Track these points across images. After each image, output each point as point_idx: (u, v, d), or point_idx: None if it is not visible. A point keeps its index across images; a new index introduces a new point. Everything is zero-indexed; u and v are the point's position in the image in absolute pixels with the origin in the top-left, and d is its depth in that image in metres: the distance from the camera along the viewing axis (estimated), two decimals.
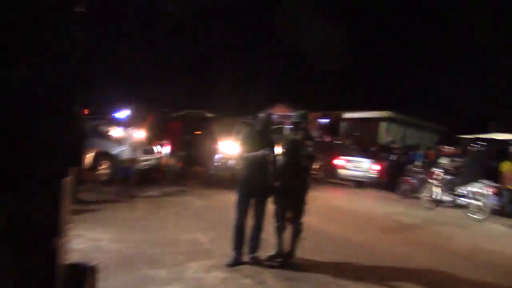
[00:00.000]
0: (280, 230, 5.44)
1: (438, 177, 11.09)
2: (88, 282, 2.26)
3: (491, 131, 16.17)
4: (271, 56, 31.67)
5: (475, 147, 11.17)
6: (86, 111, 16.38)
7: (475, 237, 7.99)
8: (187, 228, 6.89)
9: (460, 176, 10.76)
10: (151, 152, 11.47)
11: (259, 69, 32.53)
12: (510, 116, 18.42)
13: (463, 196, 10.37)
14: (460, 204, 10.43)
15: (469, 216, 9.77)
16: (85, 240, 5.72)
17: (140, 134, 9.54)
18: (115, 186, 9.68)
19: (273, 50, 32.34)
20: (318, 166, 14.09)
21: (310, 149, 5.10)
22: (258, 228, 5.25)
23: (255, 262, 5.19)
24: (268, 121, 5.29)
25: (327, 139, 19.09)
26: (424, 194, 11.22)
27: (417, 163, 14.29)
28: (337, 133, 22.76)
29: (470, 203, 10.04)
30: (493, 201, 9.78)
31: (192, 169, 12.64)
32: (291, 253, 5.26)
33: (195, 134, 13.14)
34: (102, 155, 10.67)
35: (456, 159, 11.61)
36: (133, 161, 8.97)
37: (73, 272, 2.31)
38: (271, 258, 5.42)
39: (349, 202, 11.27)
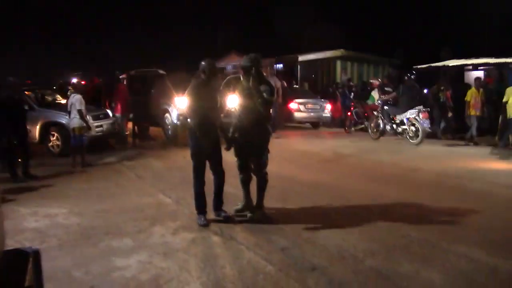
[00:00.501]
0: (244, 182, 5.25)
1: (377, 109, 11.87)
2: (32, 267, 2.00)
3: (444, 59, 16.36)
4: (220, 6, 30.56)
5: (408, 76, 11.54)
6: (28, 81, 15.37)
7: (412, 159, 8.61)
8: (149, 191, 6.62)
9: (396, 105, 11.42)
10: (103, 117, 10.87)
11: (209, 21, 31.44)
12: (463, 40, 18.68)
13: (402, 123, 11.01)
14: (400, 132, 11.07)
15: (409, 141, 10.59)
16: (41, 217, 5.37)
17: (86, 99, 8.90)
18: (69, 157, 9.18)
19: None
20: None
21: (265, 95, 4.79)
22: (218, 183, 5.05)
23: (223, 218, 5.03)
24: (211, 68, 4.92)
25: (284, 84, 18.85)
26: (369, 127, 12.20)
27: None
28: (293, 77, 22.51)
29: (406, 130, 10.78)
30: (426, 125, 10.45)
31: (148, 130, 12.19)
32: (258, 205, 5.10)
33: (148, 93, 12.54)
34: (51, 126, 10.03)
35: (387, 89, 12.42)
36: (83, 128, 8.41)
37: (14, 258, 2.04)
38: (239, 211, 5.27)
39: (308, 144, 11.31)
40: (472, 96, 10.85)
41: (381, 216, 5.01)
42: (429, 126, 10.76)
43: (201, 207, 4.95)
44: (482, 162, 8.39)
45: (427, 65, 15.17)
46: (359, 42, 24.57)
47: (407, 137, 10.66)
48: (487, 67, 14.04)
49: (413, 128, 10.52)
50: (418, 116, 10.43)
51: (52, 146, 10.08)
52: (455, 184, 6.65)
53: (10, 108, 7.40)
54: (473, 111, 10.80)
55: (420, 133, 10.25)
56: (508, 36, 19.17)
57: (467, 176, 7.06)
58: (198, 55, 4.90)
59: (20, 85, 8.31)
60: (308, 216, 5.11)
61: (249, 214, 5.09)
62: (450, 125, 11.98)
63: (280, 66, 25.72)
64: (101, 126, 10.54)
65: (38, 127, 10.07)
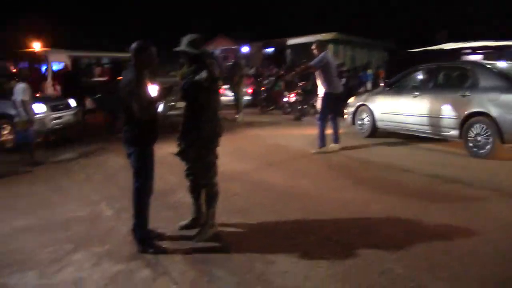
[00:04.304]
0: (191, 192, 4.29)
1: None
2: None
3: (440, 42, 15.30)
4: None
5: None
6: None
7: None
8: (92, 197, 5.61)
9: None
10: (63, 107, 9.81)
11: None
12: (459, 24, 17.61)
13: None
14: None
15: None
16: None
17: (32, 88, 7.82)
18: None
19: None
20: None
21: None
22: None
23: (156, 237, 4.06)
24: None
25: (272, 69, 17.77)
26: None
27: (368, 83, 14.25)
28: (283, 61, 21.39)
29: None
30: None
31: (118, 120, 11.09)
32: (207, 223, 4.11)
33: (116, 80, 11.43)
34: (1, 118, 8.98)
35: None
36: (28, 122, 7.37)
37: None
38: (184, 228, 4.31)
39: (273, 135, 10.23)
40: None
41: (360, 238, 4.01)
42: None
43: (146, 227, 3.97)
44: None
45: (422, 48, 14.14)
46: (352, 25, 23.47)
47: None
48: (486, 50, 13.02)
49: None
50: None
51: (4, 141, 9.04)
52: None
53: None
54: None
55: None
56: (509, 18, 18.10)
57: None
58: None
59: None
60: (269, 237, 4.11)
61: (196, 234, 4.11)
62: None
63: (270, 50, 24.60)
64: (59, 118, 9.50)
65: None
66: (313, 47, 7.83)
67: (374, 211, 4.74)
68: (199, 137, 3.88)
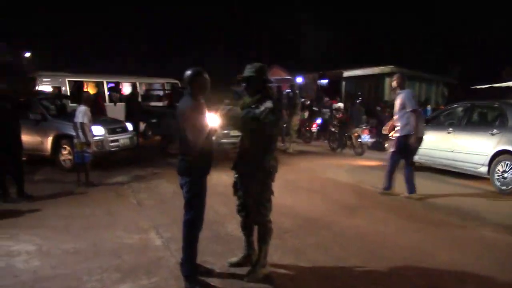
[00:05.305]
0: (243, 228, 4.08)
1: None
2: None
3: (507, 79, 14.47)
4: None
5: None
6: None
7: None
8: (142, 224, 5.53)
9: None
10: (120, 131, 10.03)
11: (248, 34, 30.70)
12: None
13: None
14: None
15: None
16: None
17: (93, 111, 8.04)
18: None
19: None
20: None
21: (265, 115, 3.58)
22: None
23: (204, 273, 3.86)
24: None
25: (327, 101, 17.52)
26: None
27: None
28: (338, 93, 21.09)
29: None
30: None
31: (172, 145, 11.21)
32: (259, 262, 3.86)
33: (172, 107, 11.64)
34: (62, 139, 9.27)
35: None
36: (85, 144, 7.51)
37: None
38: (235, 265, 4.09)
39: (338, 172, 9.84)
40: None
41: None
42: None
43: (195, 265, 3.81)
44: None
45: (488, 85, 13.42)
46: (410, 58, 22.87)
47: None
48: None
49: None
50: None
51: (64, 160, 9.31)
52: None
53: (1, 119, 6.62)
54: None
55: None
56: None
57: None
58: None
59: (15, 94, 7.56)
60: (324, 284, 3.80)
61: (248, 273, 3.87)
62: None
63: (324, 81, 24.40)
64: (116, 141, 9.69)
65: (50, 139, 9.36)
66: (395, 79, 7.00)
67: (441, 263, 4.30)
68: (260, 169, 3.68)
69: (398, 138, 6.93)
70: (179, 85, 18.34)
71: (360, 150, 12.22)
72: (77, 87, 15.00)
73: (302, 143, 14.85)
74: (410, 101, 6.69)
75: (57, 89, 14.54)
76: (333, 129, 13.49)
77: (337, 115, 13.92)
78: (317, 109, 17.04)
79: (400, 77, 7.02)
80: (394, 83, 7.02)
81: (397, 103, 6.92)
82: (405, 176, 6.96)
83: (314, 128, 15.45)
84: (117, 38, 30.64)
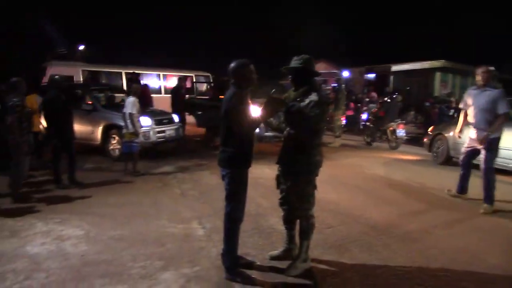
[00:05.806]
0: (285, 222, 4.05)
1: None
2: None
3: None
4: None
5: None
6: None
7: None
8: (185, 214, 5.62)
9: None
10: (167, 122, 10.24)
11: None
12: None
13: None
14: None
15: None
16: (51, 239, 4.63)
17: (140, 102, 8.23)
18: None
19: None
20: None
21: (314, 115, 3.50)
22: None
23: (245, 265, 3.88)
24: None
25: (373, 96, 17.10)
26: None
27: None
28: (385, 88, 20.56)
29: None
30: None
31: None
32: (300, 256, 3.83)
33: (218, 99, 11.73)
34: (111, 128, 9.59)
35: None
36: (134, 134, 7.74)
37: None
38: (276, 258, 4.07)
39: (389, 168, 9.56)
40: None
41: None
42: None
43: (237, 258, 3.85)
44: None
45: None
46: (463, 52, 21.88)
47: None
48: None
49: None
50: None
51: (113, 149, 9.63)
52: None
53: (56, 109, 6.93)
54: None
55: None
56: None
57: None
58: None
59: (69, 84, 7.86)
60: (366, 282, 3.70)
61: (287, 266, 3.85)
62: None
63: (372, 76, 23.85)
64: (163, 131, 9.91)
65: (100, 128, 9.72)
66: (482, 71, 6.07)
67: (491, 266, 4.10)
68: (306, 164, 3.63)
69: (494, 140, 6.01)
70: (210, 78, 18.73)
71: (395, 144, 12.25)
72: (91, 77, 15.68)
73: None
74: (504, 103, 5.90)
75: (70, 78, 14.78)
76: (368, 123, 13.74)
77: (372, 110, 14.13)
78: (359, 104, 16.70)
79: (488, 71, 6.06)
80: (479, 79, 6.11)
81: (483, 101, 6.04)
82: (487, 182, 6.06)
83: (343, 121, 15.08)
84: (166, 32, 31.31)
